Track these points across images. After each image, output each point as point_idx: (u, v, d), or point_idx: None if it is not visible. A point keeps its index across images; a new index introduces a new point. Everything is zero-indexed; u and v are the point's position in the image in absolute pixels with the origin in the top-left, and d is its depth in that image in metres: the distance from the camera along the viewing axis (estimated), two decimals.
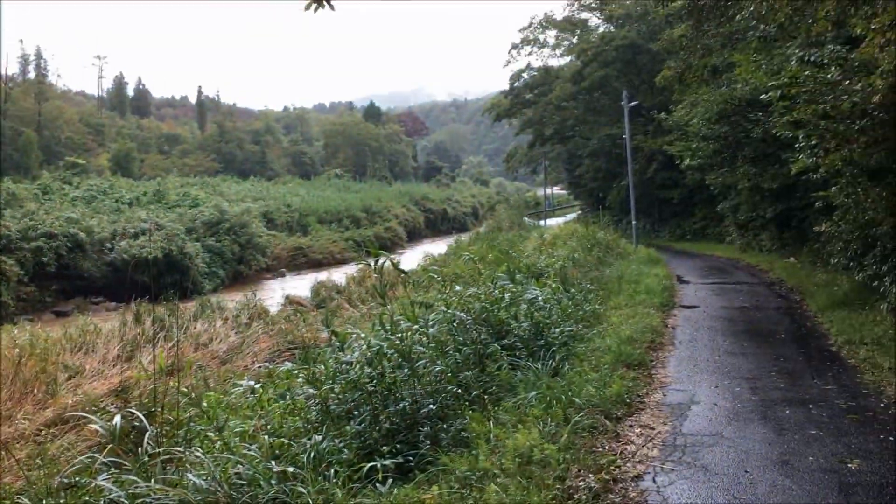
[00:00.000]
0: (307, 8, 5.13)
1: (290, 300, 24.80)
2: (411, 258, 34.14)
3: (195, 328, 17.79)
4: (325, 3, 5.10)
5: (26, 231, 29.68)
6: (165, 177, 65.77)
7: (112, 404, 9.62)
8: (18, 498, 4.39)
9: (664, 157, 35.87)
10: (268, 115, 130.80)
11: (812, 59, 13.73)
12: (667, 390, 9.05)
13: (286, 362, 12.02)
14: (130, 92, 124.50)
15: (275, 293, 29.26)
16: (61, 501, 4.26)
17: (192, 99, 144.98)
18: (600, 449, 6.75)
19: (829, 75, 12.55)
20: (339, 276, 29.35)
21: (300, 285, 31.49)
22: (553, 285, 12.91)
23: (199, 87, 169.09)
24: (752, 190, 24.10)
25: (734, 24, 16.05)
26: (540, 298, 10.97)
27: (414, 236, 62.32)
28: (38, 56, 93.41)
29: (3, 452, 8.16)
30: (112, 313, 24.11)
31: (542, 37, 51.50)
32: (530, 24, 50.93)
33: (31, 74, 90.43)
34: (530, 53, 52.88)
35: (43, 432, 9.82)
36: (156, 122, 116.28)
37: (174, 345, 14.88)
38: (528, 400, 7.49)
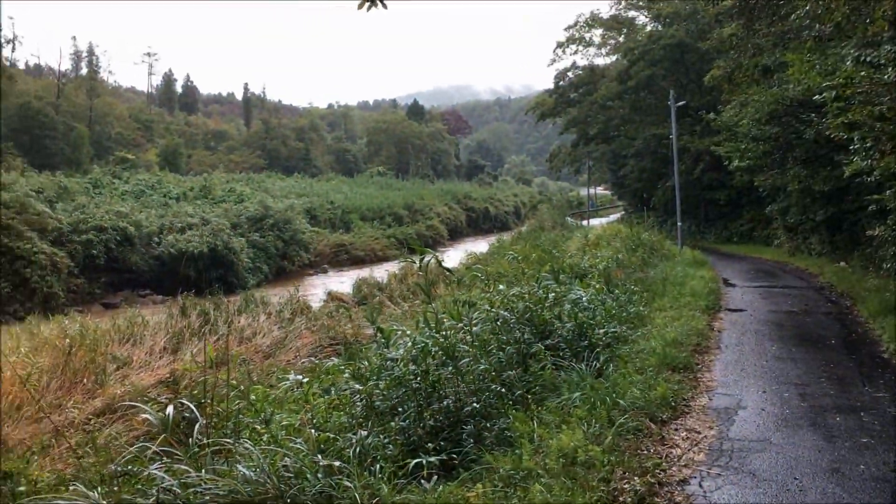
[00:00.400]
0: (360, 6, 5.13)
1: (332, 296, 24.96)
2: (453, 256, 34.15)
3: (239, 322, 17.95)
4: (378, 1, 5.10)
5: (77, 224, 30.35)
6: (212, 173, 66.76)
7: (160, 395, 9.78)
8: (74, 484, 4.48)
9: (711, 157, 35.33)
10: (312, 113, 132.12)
11: (868, 59, 13.40)
12: (713, 394, 8.91)
13: (331, 358, 12.11)
14: (179, 88, 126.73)
15: (317, 289, 29.50)
16: (115, 489, 4.34)
17: (239, 96, 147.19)
18: (645, 452, 6.67)
19: (885, 76, 12.25)
20: (380, 273, 29.46)
21: (342, 282, 31.70)
22: (597, 286, 12.81)
23: (246, 84, 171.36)
24: (803, 192, 23.64)
25: (787, 24, 15.75)
26: (584, 299, 10.89)
27: (455, 235, 62.35)
28: (91, 52, 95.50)
29: (54, 440, 8.35)
30: (159, 306, 24.54)
31: (587, 35, 51.16)
32: (576, 23, 50.63)
33: (84, 71, 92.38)
34: (576, 52, 52.52)
35: (92, 421, 10.01)
36: (203, 118, 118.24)
37: (220, 338, 15.09)
38: (572, 401, 7.43)
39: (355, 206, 56.09)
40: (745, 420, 7.86)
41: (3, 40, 73.41)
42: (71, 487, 4.48)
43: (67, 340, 12.97)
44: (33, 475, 5.19)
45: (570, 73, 53.10)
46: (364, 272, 30.32)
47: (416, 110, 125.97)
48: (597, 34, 51.28)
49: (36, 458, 6.70)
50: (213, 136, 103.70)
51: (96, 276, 30.14)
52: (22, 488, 4.44)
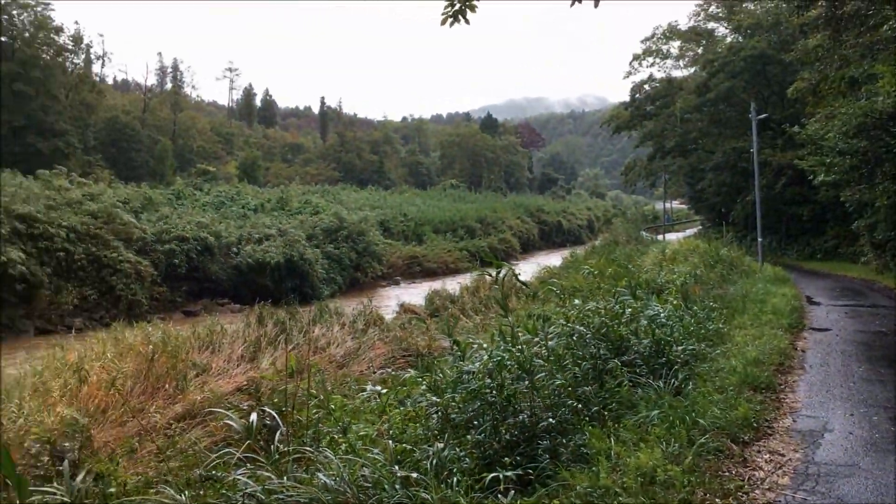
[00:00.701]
0: (443, 23, 5.17)
1: (404, 308, 25.09)
2: (526, 270, 33.96)
3: (314, 332, 18.18)
4: (461, 18, 5.12)
5: (160, 234, 31.31)
6: (288, 185, 68.17)
7: (241, 402, 9.97)
8: (162, 487, 4.58)
9: (794, 171, 34.27)
10: (387, 126, 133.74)
11: None
12: (797, 416, 8.60)
13: (404, 369, 12.16)
14: (258, 102, 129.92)
15: (390, 300, 29.70)
16: (201, 492, 4.42)
17: (316, 109, 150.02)
18: (727, 473, 6.48)
19: None
20: (452, 285, 29.49)
21: (414, 293, 31.86)
22: (674, 302, 12.54)
23: (322, 97, 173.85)
24: (892, 208, 22.72)
25: (877, 34, 15.21)
26: (662, 315, 10.66)
27: (528, 248, 62.10)
28: (175, 68, 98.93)
29: (137, 443, 8.60)
30: (237, 315, 25.08)
31: (665, 47, 50.51)
32: (653, 35, 50.04)
33: (168, 86, 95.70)
34: (652, 64, 51.87)
35: (173, 426, 10.26)
36: (280, 131, 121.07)
37: (295, 347, 15.32)
38: (650, 418, 7.27)
39: (428, 219, 56.45)
40: (831, 443, 7.56)
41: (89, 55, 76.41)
42: (158, 490, 4.59)
43: (150, 347, 13.34)
44: (122, 477, 5.35)
45: (646, 86, 52.43)
46: (436, 284, 30.38)
47: (489, 123, 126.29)
48: (674, 46, 50.61)
49: (121, 460, 6.90)
50: (290, 148, 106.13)
51: (178, 284, 30.99)
52: (112, 489, 4.59)
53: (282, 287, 31.18)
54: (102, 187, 38.27)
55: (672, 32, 49.38)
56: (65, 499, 2.84)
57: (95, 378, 11.10)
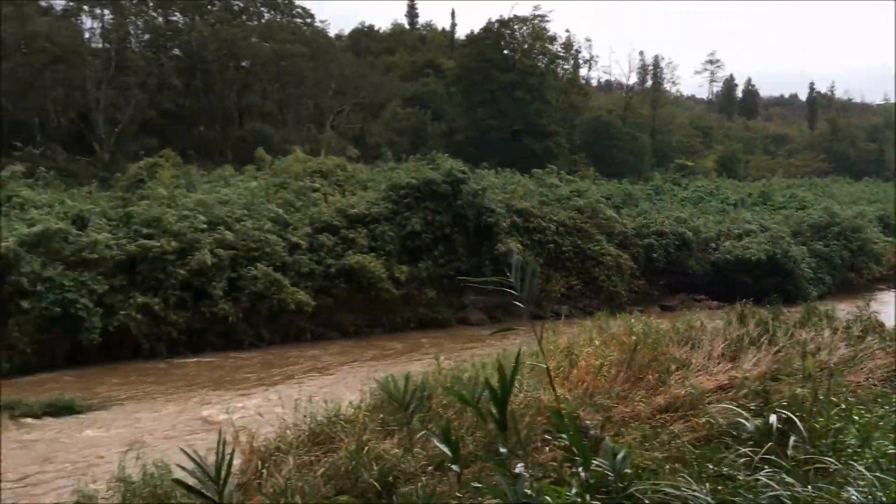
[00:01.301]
0: None
1: None
2: None
3: (800, 335, 16.95)
4: None
5: (640, 228, 32.25)
6: (770, 178, 65.10)
7: (719, 399, 9.67)
8: (681, 476, 4.58)
9: None
10: (888, 110, 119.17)
11: None
12: None
13: None
14: (739, 94, 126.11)
15: (890, 306, 26.41)
16: (718, 487, 4.35)
17: (803, 96, 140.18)
18: None
19: None
20: None
21: None
22: None
23: (812, 83, 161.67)
24: None
25: None
26: None
27: None
28: (656, 65, 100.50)
29: (623, 429, 8.84)
30: (714, 311, 24.54)
31: None
32: None
33: (649, 83, 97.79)
34: None
35: (655, 416, 10.36)
36: (762, 122, 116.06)
37: (779, 350, 14.44)
38: None
39: None
40: None
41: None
42: (676, 478, 4.60)
43: (633, 338, 13.67)
44: (636, 460, 5.51)
45: None
46: None
47: None
48: None
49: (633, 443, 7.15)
50: (773, 139, 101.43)
51: (655, 278, 31.59)
52: (628, 470, 4.73)
53: (762, 285, 29.71)
54: (587, 184, 40.77)
55: None
56: (609, 473, 3.02)
57: (583, 363, 11.75)
